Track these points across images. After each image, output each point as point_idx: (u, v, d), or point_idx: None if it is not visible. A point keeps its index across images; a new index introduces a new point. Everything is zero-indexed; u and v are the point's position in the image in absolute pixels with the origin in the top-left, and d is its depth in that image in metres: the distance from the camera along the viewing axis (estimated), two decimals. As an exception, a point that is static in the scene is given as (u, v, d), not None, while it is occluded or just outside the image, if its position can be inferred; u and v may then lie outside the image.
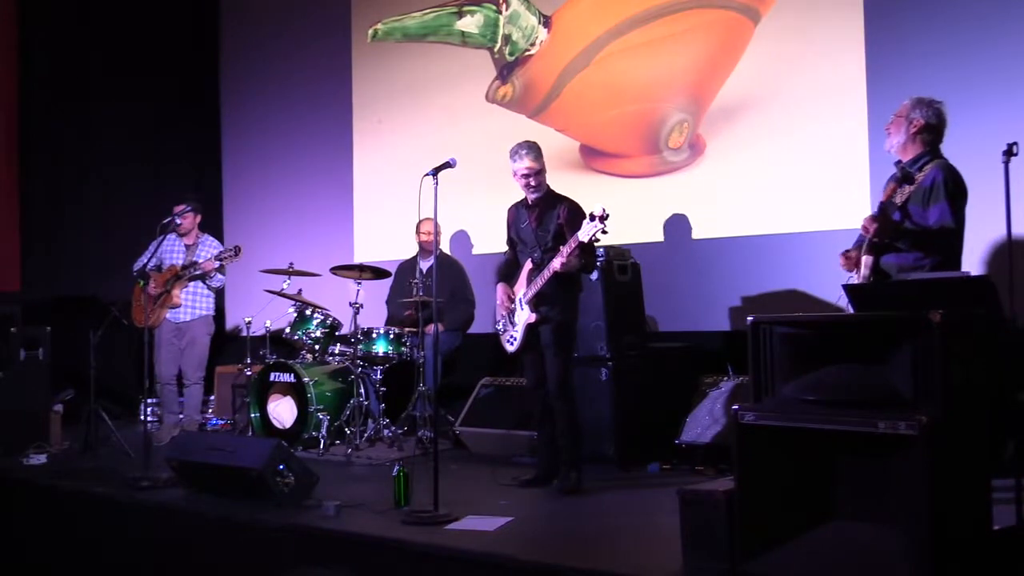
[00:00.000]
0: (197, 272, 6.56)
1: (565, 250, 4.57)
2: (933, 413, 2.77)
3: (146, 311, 6.50)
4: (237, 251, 6.48)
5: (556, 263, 4.60)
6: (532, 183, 4.83)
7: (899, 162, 4.22)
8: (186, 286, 6.66)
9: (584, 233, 4.46)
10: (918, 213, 4.05)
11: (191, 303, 6.72)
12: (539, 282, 4.71)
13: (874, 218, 4.00)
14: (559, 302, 4.76)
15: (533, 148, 4.82)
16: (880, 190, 4.27)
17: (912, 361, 2.87)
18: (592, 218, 4.45)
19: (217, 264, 6.52)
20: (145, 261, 6.62)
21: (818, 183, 5.75)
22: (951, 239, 4.04)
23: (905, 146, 4.18)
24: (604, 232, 4.43)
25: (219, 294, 7.21)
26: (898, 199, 4.04)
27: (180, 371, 6.79)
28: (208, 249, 6.75)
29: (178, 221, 6.59)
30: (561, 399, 4.77)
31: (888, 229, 3.99)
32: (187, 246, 6.78)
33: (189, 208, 6.65)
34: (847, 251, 4.30)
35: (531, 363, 4.91)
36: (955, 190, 4.04)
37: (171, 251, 6.73)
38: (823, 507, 3.06)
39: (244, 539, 4.31)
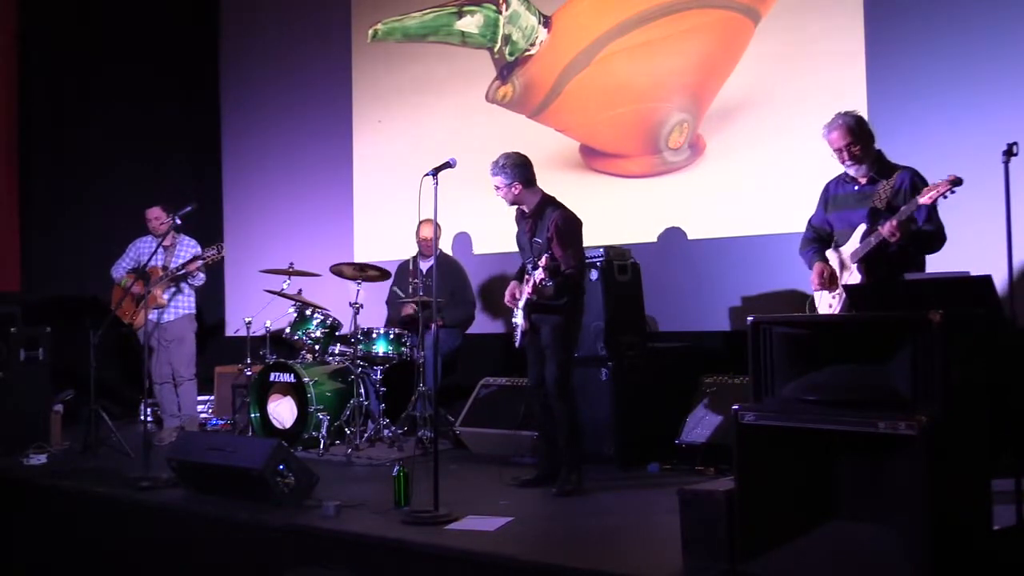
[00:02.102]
0: (182, 272, 6.60)
1: (535, 277, 4.58)
2: (933, 413, 2.77)
3: (129, 312, 6.60)
4: (220, 249, 6.55)
5: (528, 288, 4.68)
6: (504, 197, 4.87)
7: (845, 175, 4.46)
8: (170, 286, 6.69)
9: (537, 276, 4.53)
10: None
11: (173, 303, 6.76)
12: (527, 291, 4.74)
13: (900, 224, 4.08)
14: (557, 308, 4.75)
15: (494, 167, 4.83)
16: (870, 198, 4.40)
17: (912, 361, 2.88)
18: (536, 267, 4.53)
19: (200, 264, 6.57)
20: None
21: (818, 183, 5.70)
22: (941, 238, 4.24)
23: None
24: (547, 283, 4.51)
25: (219, 294, 7.22)
26: (879, 203, 4.16)
27: (172, 371, 6.81)
28: (187, 249, 6.80)
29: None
30: (560, 399, 4.77)
31: (908, 232, 4.11)
32: (165, 247, 6.80)
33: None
34: (820, 269, 4.41)
35: (533, 362, 4.92)
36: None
37: (148, 252, 6.74)
38: (823, 507, 3.06)
39: (244, 539, 4.31)
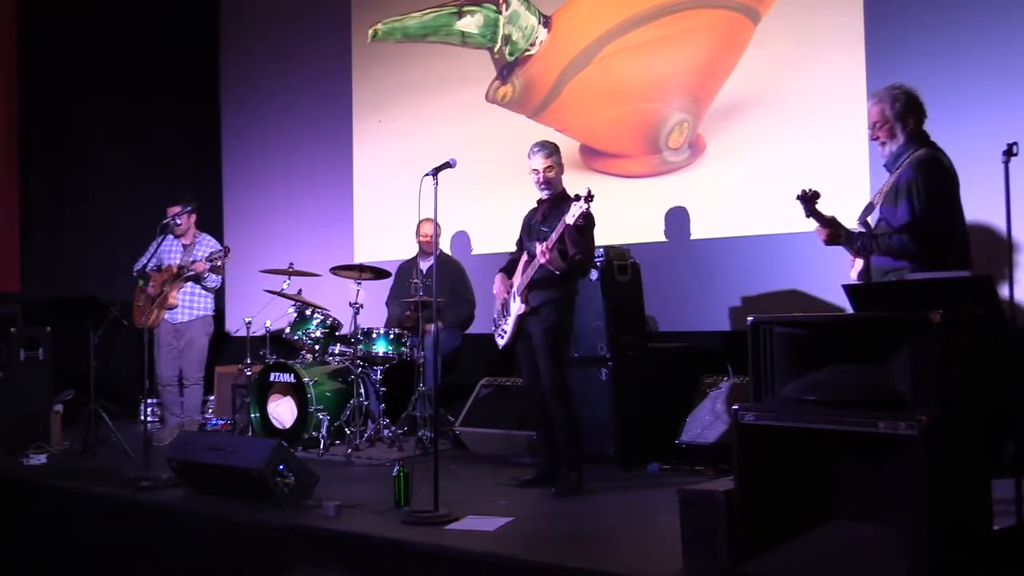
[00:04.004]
0: (190, 273, 6.57)
1: (553, 236, 4.60)
2: (933, 413, 2.77)
3: (144, 312, 6.55)
4: (227, 252, 6.52)
5: (538, 253, 4.61)
6: (541, 179, 4.87)
7: (887, 165, 4.16)
8: (182, 287, 6.67)
9: (571, 215, 4.50)
10: (888, 213, 3.95)
11: (188, 304, 6.73)
12: (529, 272, 4.74)
13: (825, 223, 4.02)
14: (551, 299, 4.75)
15: (545, 147, 4.88)
16: (879, 190, 4.20)
17: (912, 361, 2.87)
18: (577, 198, 4.50)
19: (208, 265, 6.52)
20: (145, 262, 6.63)
21: (818, 183, 5.69)
22: (913, 238, 3.84)
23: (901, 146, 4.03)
24: (588, 205, 4.45)
25: (218, 294, 7.20)
26: (876, 200, 4.05)
27: (180, 372, 6.80)
28: (205, 248, 6.76)
29: (178, 221, 6.60)
30: (556, 401, 4.76)
31: (832, 235, 4.03)
32: (185, 246, 6.79)
33: (188, 209, 6.65)
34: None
35: (525, 362, 4.91)
36: (926, 187, 3.85)
37: (169, 251, 6.75)
38: (823, 507, 3.05)
39: (244, 539, 4.31)
